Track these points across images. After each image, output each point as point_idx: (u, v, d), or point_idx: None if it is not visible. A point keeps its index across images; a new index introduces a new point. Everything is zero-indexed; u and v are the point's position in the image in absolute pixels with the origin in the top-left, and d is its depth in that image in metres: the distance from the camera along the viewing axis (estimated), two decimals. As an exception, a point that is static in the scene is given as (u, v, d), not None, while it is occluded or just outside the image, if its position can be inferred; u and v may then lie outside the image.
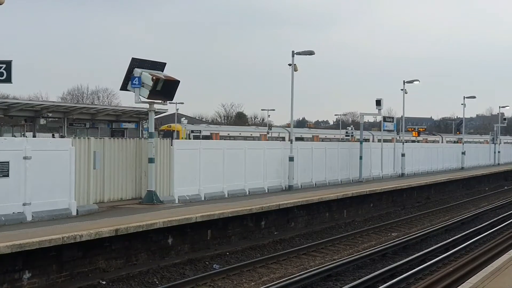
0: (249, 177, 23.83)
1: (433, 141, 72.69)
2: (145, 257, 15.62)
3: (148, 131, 23.57)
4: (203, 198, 21.34)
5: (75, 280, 13.56)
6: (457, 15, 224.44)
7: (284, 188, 26.07)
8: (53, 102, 55.34)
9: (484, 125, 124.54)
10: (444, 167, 45.38)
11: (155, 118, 21.47)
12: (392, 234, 21.76)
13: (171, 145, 20.62)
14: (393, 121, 38.55)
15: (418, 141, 57.87)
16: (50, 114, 41.79)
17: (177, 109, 65.00)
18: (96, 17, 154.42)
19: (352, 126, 78.52)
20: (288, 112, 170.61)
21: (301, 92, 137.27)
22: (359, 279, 14.04)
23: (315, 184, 28.41)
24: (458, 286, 11.28)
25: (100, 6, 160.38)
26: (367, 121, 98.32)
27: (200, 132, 53.51)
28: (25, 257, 12.47)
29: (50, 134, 46.87)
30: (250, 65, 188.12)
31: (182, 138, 48.45)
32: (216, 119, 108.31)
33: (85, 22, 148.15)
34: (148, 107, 20.51)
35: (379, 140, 46.94)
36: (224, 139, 46.08)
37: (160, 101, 20.47)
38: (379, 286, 13.31)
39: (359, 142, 33.33)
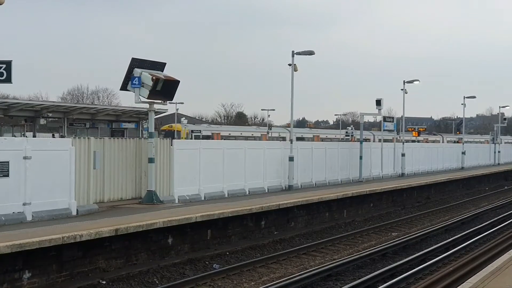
0: (249, 177, 23.84)
1: (434, 141, 72.59)
2: (145, 257, 15.62)
3: (148, 131, 23.58)
4: (203, 198, 21.34)
5: (75, 280, 13.56)
6: (457, 15, 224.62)
7: (284, 188, 26.07)
8: (53, 102, 55.34)
9: (484, 125, 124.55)
10: (444, 167, 45.40)
11: (155, 118, 21.49)
12: (392, 234, 21.76)
13: (171, 145, 20.63)
14: (393, 121, 38.54)
15: (418, 141, 57.85)
16: (50, 114, 41.82)
17: (177, 109, 65.08)
18: (96, 17, 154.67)
19: (352, 126, 78.52)
20: (288, 112, 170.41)
21: (301, 92, 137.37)
22: (359, 279, 14.04)
23: (315, 184, 28.41)
24: (458, 286, 11.27)
25: (100, 6, 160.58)
26: (367, 121, 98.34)
27: (200, 132, 53.53)
28: (25, 257, 12.46)
29: (50, 134, 46.88)
30: (250, 65, 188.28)
31: (183, 138, 48.47)
32: (216, 119, 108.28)
33: (85, 22, 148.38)
34: (148, 107, 20.53)
35: (379, 140, 46.93)
36: (225, 139, 46.09)
37: (160, 101, 20.50)
38: (379, 286, 13.31)
39: (359, 142, 33.34)
